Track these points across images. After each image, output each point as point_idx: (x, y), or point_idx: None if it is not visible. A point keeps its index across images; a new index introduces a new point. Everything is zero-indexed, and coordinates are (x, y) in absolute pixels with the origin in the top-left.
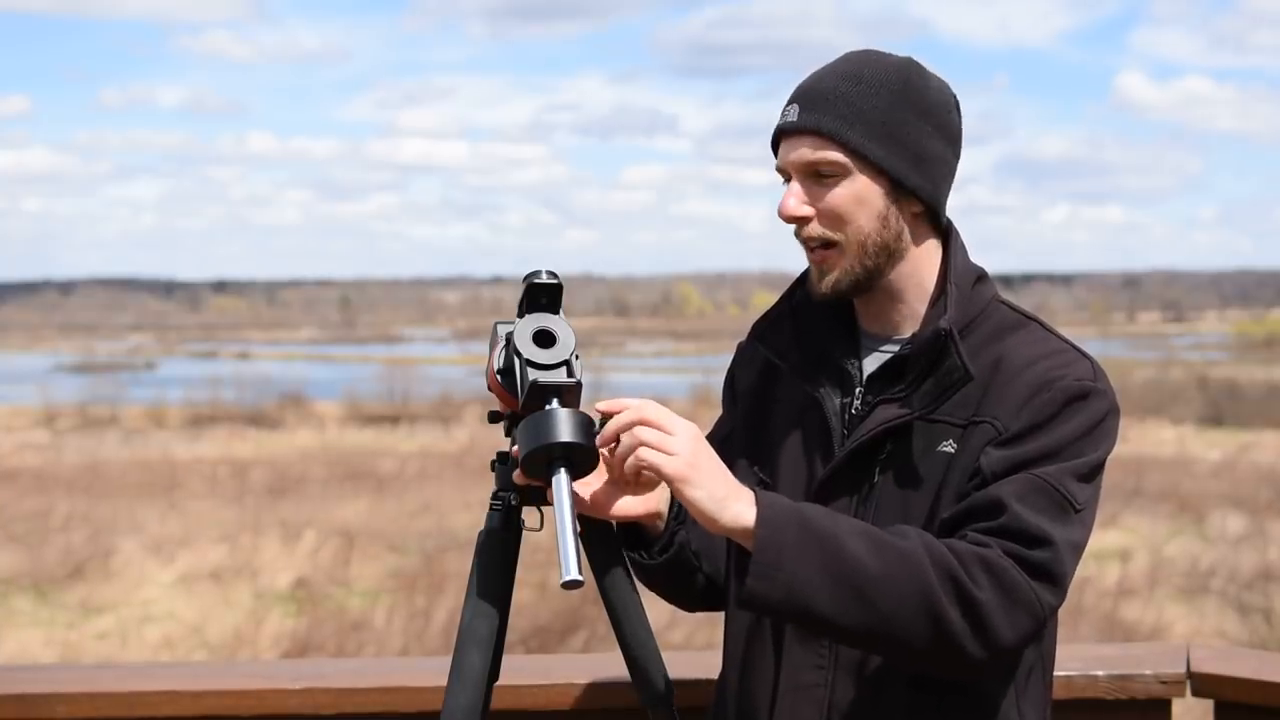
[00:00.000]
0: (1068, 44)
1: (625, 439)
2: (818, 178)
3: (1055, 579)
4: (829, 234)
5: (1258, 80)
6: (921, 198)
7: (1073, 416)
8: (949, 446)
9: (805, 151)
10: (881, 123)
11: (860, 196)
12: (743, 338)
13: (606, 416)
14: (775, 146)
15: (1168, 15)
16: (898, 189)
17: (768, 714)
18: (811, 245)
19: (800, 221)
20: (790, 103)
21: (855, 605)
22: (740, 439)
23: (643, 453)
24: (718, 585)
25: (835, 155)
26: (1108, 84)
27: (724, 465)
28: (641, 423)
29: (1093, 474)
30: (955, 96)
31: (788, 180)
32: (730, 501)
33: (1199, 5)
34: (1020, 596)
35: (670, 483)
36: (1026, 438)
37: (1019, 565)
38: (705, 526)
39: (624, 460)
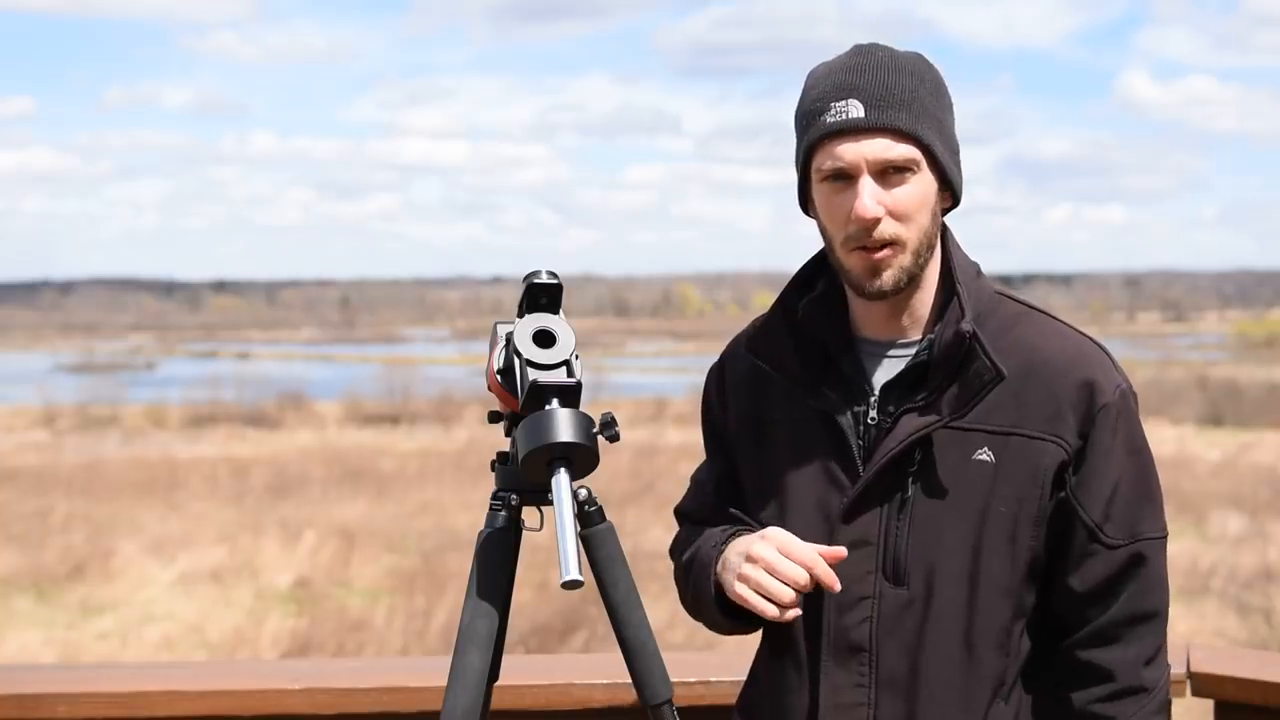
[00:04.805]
0: (1072, 44)
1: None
2: (884, 175)
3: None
4: (900, 232)
5: (1261, 80)
6: (956, 193)
7: (1132, 427)
8: (985, 455)
9: (880, 149)
10: (936, 118)
11: (926, 193)
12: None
13: None
14: (812, 145)
15: (1172, 15)
16: (942, 184)
17: None
18: (875, 244)
19: (873, 222)
20: (841, 99)
21: None
22: (744, 467)
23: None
24: None
25: (913, 152)
26: (1111, 84)
27: None
28: None
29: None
30: None
31: (836, 179)
32: None
33: (1203, 5)
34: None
35: None
36: (1112, 470)
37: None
38: None
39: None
